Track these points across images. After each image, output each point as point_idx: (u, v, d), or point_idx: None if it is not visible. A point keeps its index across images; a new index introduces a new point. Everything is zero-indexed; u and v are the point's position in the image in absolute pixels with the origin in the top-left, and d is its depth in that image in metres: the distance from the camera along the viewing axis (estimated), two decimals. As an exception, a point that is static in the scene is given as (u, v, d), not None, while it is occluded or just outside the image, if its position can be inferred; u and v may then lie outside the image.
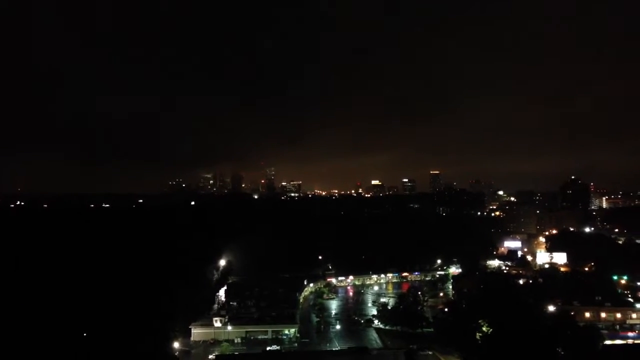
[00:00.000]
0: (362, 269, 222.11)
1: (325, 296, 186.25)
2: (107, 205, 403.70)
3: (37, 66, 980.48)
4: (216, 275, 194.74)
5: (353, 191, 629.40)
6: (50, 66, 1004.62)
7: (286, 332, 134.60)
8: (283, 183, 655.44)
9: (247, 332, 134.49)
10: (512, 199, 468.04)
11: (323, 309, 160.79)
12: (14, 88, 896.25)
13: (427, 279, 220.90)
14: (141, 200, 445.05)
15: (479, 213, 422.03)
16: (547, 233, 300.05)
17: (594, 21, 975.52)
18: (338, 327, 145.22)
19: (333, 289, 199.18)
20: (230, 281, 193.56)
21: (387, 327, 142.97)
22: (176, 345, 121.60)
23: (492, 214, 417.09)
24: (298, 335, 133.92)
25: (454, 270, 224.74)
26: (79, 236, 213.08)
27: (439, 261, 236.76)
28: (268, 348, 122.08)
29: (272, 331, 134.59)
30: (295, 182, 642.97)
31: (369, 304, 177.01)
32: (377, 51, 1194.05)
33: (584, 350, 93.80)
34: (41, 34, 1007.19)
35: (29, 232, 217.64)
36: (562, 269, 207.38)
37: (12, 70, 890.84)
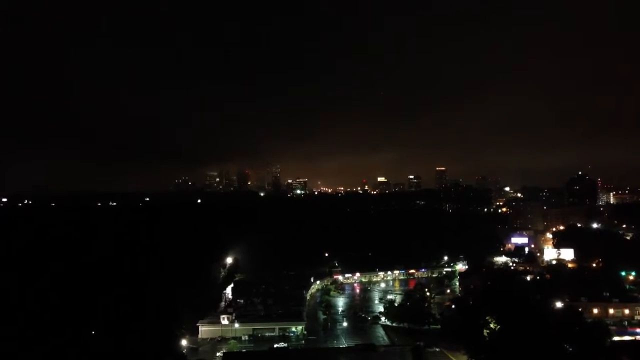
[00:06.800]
0: (368, 266, 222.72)
1: (331, 293, 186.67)
2: (114, 204, 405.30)
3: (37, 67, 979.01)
4: (223, 273, 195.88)
5: (359, 188, 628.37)
6: (51, 65, 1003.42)
7: (293, 329, 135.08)
8: (289, 180, 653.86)
9: (254, 329, 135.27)
10: (519, 195, 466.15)
11: (330, 306, 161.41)
12: (14, 89, 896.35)
13: (434, 275, 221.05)
14: (147, 199, 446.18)
15: (485, 209, 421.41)
16: (554, 229, 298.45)
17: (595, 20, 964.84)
18: (345, 324, 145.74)
19: (340, 286, 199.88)
20: (236, 279, 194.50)
21: (394, 324, 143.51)
22: (184, 342, 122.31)
23: (499, 211, 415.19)
24: (305, 332, 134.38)
25: (461, 266, 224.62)
26: (86, 234, 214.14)
27: (445, 258, 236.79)
28: (275, 345, 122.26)
29: (279, 328, 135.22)
30: (301, 180, 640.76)
31: (376, 301, 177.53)
32: (379, 50, 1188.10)
33: (592, 346, 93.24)
34: (41, 35, 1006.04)
35: (37, 230, 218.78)
36: (570, 265, 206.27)
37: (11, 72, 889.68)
